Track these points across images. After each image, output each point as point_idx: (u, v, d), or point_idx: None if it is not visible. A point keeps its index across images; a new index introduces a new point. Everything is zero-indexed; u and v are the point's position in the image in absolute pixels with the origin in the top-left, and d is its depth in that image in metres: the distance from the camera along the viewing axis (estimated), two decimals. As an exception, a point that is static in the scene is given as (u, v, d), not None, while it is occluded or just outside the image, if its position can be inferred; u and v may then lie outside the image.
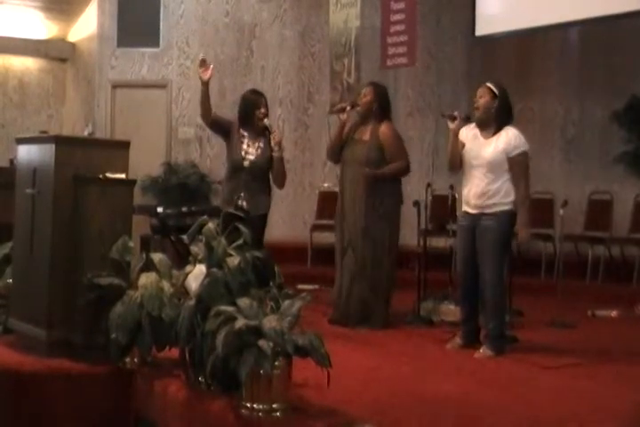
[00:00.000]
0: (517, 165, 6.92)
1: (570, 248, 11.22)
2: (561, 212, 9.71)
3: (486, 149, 7.00)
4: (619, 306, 9.50)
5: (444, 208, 9.63)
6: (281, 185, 8.23)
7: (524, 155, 6.96)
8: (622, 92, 11.07)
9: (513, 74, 11.66)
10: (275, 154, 7.96)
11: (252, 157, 8.04)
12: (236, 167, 8.14)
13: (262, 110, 8.11)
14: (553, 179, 11.57)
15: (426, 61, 11.37)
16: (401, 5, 10.34)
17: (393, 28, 10.48)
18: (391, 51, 10.58)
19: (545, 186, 11.43)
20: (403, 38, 10.39)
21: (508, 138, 6.95)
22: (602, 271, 10.83)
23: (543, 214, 11.48)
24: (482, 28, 10.71)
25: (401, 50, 10.46)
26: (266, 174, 8.10)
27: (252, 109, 8.13)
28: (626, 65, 11.17)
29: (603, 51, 11.38)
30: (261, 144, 8.06)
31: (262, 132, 8.08)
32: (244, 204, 7.96)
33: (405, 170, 8.22)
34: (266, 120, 8.12)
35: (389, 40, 10.58)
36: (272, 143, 7.96)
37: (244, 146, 8.09)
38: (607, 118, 11.25)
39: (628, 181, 11.16)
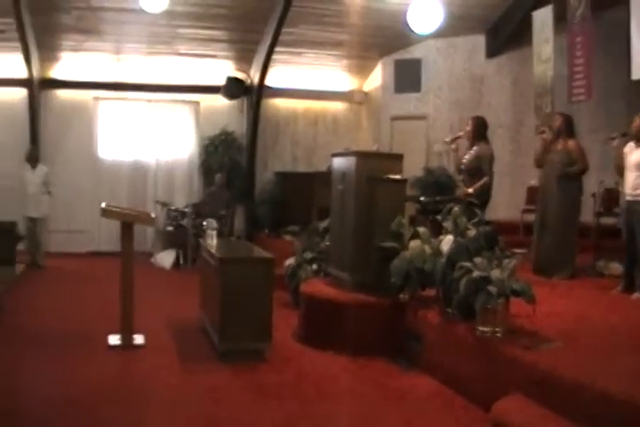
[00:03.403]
0: None
1: None
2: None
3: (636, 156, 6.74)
4: None
5: (611, 197, 9.22)
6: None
7: None
8: None
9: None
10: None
11: (464, 161, 7.88)
12: (459, 169, 8.05)
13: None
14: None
15: (597, 97, 10.80)
16: (581, 61, 10.02)
17: (575, 76, 10.15)
18: (574, 91, 10.22)
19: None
20: (582, 82, 10.05)
21: None
22: None
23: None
24: (636, 74, 10.12)
25: (581, 90, 10.11)
26: (478, 172, 7.72)
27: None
28: None
29: None
30: (472, 151, 7.88)
31: (474, 144, 7.94)
32: (464, 190, 7.84)
33: (583, 171, 7.84)
34: (461, 133, 8.08)
35: (573, 84, 10.24)
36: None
37: (465, 155, 7.95)
38: None
39: None
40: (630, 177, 6.79)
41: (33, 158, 11.51)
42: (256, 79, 13.44)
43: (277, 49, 12.56)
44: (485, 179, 7.62)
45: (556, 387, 4.12)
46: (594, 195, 8.25)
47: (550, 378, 4.18)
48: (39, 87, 12.91)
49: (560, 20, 10.33)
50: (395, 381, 5.54)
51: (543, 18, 10.68)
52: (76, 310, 8.17)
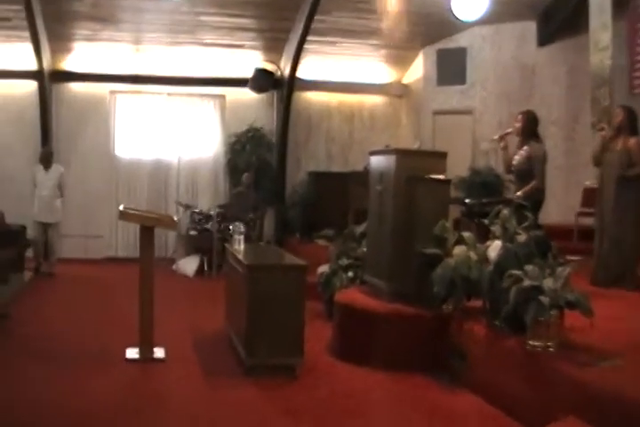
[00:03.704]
0: None
1: None
2: None
3: None
4: None
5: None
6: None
7: None
8: None
9: None
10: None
11: (515, 162, 7.78)
12: (509, 169, 7.95)
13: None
14: None
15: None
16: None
17: (636, 66, 10.10)
18: (635, 82, 10.18)
19: None
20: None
21: None
22: None
23: None
24: None
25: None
26: (528, 174, 7.56)
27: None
28: None
29: None
30: (522, 151, 7.76)
31: (524, 141, 7.83)
32: (514, 195, 7.69)
33: None
34: (510, 129, 7.92)
35: (634, 74, 10.20)
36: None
37: (516, 155, 7.84)
38: None
39: None
40: None
41: (46, 159, 11.55)
42: (286, 71, 13.49)
43: (309, 38, 12.60)
44: (534, 183, 7.50)
45: (614, 409, 4.06)
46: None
47: (608, 399, 4.13)
48: (50, 80, 13.05)
49: (619, 4, 10.25)
50: (436, 399, 5.53)
51: (600, 2, 10.59)
52: (90, 320, 8.25)
